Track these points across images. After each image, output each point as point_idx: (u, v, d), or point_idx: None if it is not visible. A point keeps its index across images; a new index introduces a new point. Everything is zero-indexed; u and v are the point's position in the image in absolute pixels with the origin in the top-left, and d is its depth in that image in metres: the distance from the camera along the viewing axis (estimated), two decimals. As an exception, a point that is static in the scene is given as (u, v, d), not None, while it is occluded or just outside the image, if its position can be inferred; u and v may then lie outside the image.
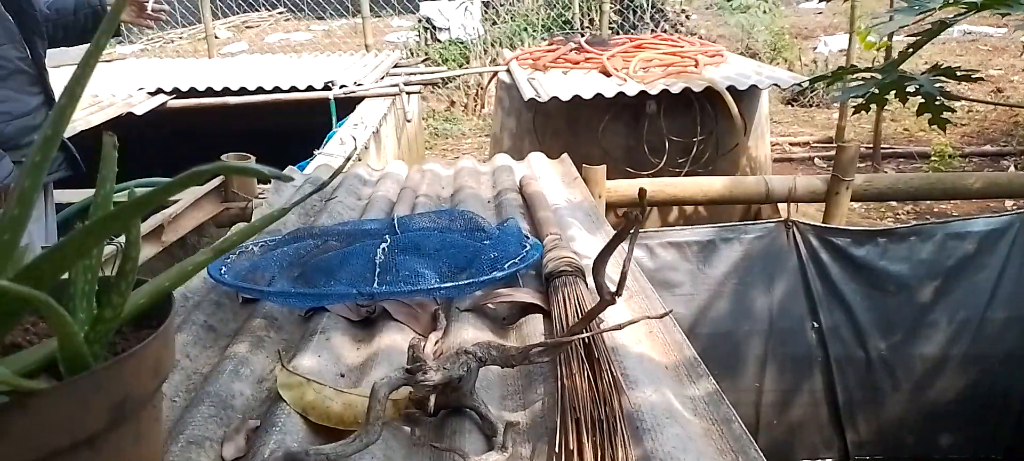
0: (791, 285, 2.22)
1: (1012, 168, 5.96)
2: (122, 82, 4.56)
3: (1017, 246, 2.21)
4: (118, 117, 3.97)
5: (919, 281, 2.21)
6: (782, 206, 2.65)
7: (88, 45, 0.57)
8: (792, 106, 7.98)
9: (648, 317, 0.93)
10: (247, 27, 14.57)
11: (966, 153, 6.16)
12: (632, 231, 0.73)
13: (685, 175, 3.77)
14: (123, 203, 0.53)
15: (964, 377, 2.28)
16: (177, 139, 5.03)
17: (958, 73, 2.73)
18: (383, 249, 1.24)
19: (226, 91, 4.36)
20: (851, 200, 2.24)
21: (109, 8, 2.17)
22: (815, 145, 6.71)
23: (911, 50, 2.19)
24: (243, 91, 4.36)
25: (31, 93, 1.86)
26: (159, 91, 4.37)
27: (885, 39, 5.75)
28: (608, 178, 3.80)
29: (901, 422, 2.33)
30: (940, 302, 2.23)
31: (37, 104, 1.87)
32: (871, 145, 6.23)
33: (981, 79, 3.15)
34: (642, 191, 0.75)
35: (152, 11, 2.11)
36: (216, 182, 1.95)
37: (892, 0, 5.29)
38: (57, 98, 1.95)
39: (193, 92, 4.36)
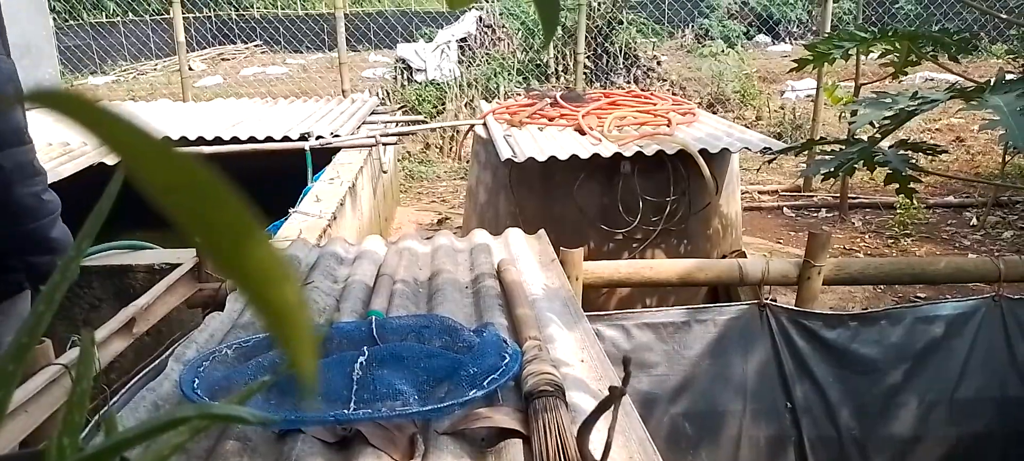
0: (764, 366, 2.24)
1: (974, 220, 6.11)
2: (93, 129, 4.50)
3: (984, 329, 2.27)
4: (89, 167, 3.92)
5: (890, 363, 2.25)
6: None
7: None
8: (767, 153, 8.11)
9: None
10: (222, 60, 14.52)
11: (930, 204, 6.31)
12: (616, 401, 0.73)
13: (658, 234, 3.82)
14: (102, 448, 0.52)
15: (934, 456, 2.31)
16: (149, 186, 4.96)
17: (925, 145, 2.81)
18: (361, 363, 1.24)
19: (201, 141, 4.33)
20: (822, 284, 2.29)
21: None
22: (784, 194, 6.83)
23: (879, 136, 2.25)
24: (218, 140, 4.33)
25: None
26: (131, 139, 4.32)
27: (850, 95, 5.91)
28: (582, 235, 3.84)
29: (873, 498, 2.35)
30: (910, 383, 2.27)
31: None
32: (838, 195, 6.36)
33: (945, 151, 3.25)
34: (626, 359, 0.76)
35: None
36: (190, 263, 1.93)
37: (858, 61, 5.43)
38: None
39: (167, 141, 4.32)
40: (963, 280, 2.45)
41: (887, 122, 2.24)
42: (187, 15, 11.89)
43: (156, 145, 0.25)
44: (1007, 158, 6.58)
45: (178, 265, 1.94)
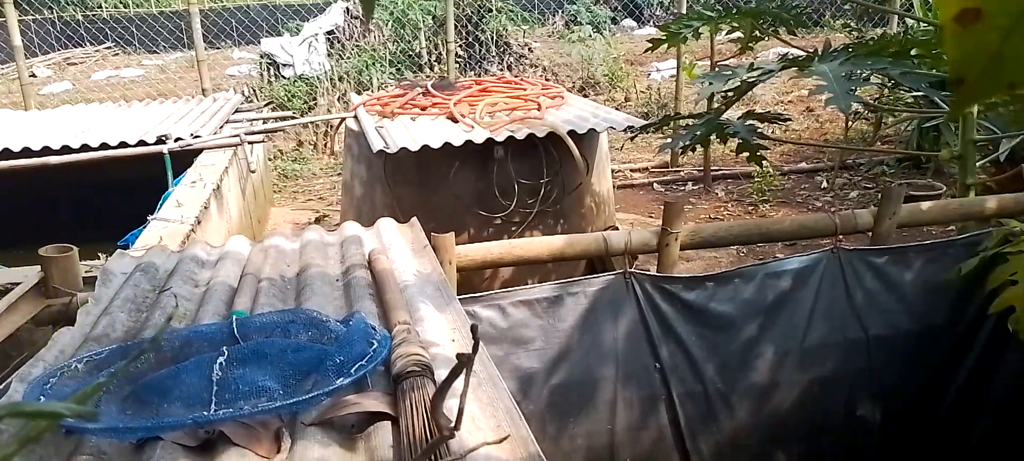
0: (633, 331, 2.36)
1: (825, 182, 6.60)
2: (-82, 145, 4.09)
3: (825, 279, 2.48)
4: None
5: (745, 318, 2.42)
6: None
7: None
8: (631, 131, 8.43)
9: (487, 443, 0.97)
10: (70, 64, 13.48)
11: (785, 171, 6.76)
12: (466, 368, 0.76)
13: (534, 215, 3.90)
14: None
15: (789, 400, 2.51)
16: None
17: (770, 115, 3.02)
18: (221, 364, 1.21)
19: (46, 150, 4.02)
20: (681, 249, 2.42)
21: None
22: (653, 170, 7.13)
23: (725, 107, 2.41)
24: (66, 149, 4.04)
25: None
26: (-36, 154, 3.97)
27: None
28: (461, 222, 3.86)
29: (739, 445, 2.53)
30: (764, 335, 2.45)
31: None
32: (702, 168, 6.71)
33: (790, 120, 3.51)
34: (474, 327, 0.79)
35: None
36: (35, 278, 1.80)
37: (712, 40, 5.74)
38: None
39: (7, 153, 3.99)
40: (805, 236, 2.66)
41: (731, 93, 2.40)
42: (24, 17, 10.97)
43: None
44: (850, 124, 7.14)
45: (20, 283, 1.81)
